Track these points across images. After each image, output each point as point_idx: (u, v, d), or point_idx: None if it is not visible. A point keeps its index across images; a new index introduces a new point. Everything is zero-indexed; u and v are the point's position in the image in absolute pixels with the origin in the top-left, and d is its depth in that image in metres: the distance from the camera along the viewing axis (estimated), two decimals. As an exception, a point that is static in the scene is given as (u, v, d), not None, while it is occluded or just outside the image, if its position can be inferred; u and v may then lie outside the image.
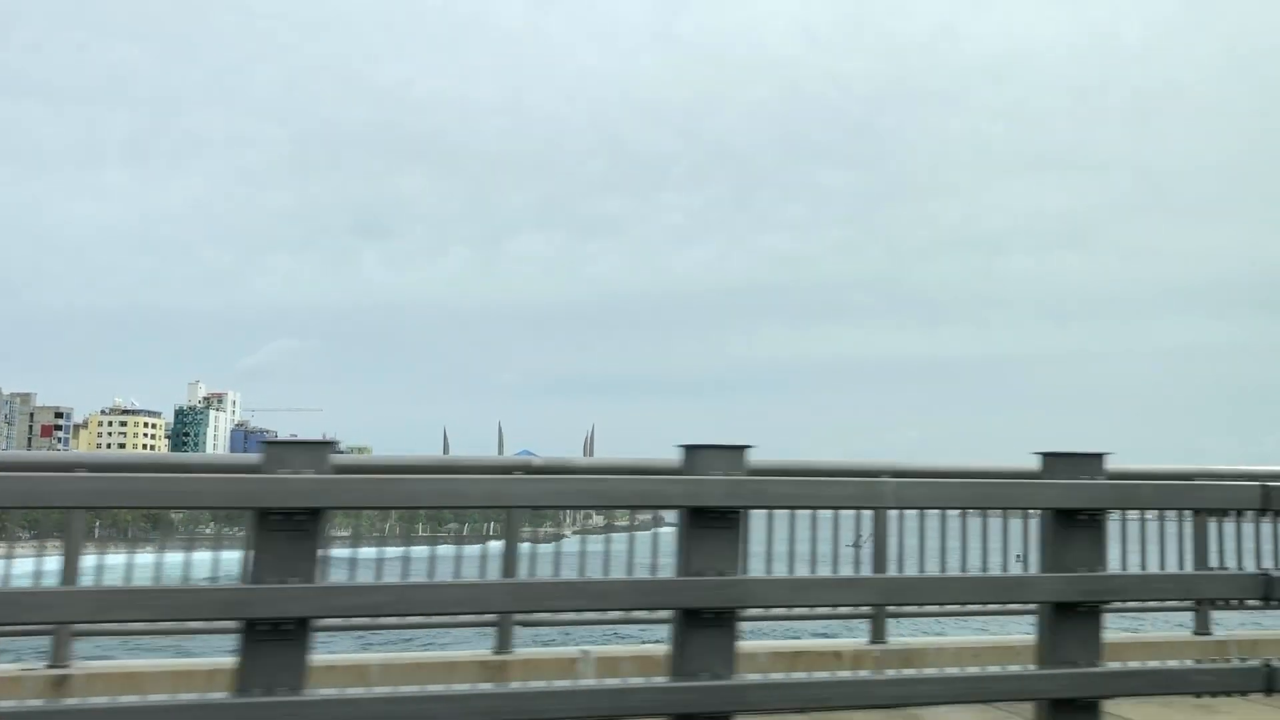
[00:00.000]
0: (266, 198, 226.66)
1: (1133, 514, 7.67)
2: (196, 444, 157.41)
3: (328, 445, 3.76)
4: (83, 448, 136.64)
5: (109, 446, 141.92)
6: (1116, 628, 7.29)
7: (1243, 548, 8.00)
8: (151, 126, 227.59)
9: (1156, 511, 7.74)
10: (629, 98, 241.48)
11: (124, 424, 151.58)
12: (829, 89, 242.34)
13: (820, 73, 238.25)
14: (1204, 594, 5.51)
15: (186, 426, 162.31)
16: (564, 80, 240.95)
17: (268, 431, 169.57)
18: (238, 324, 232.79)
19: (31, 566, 6.22)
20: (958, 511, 7.56)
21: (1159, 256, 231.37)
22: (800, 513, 7.24)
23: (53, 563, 6.25)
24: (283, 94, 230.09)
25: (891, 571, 7.23)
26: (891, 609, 7.28)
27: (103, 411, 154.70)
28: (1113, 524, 5.89)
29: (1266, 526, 8.00)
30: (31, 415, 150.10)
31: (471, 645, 7.05)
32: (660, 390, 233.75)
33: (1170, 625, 8.53)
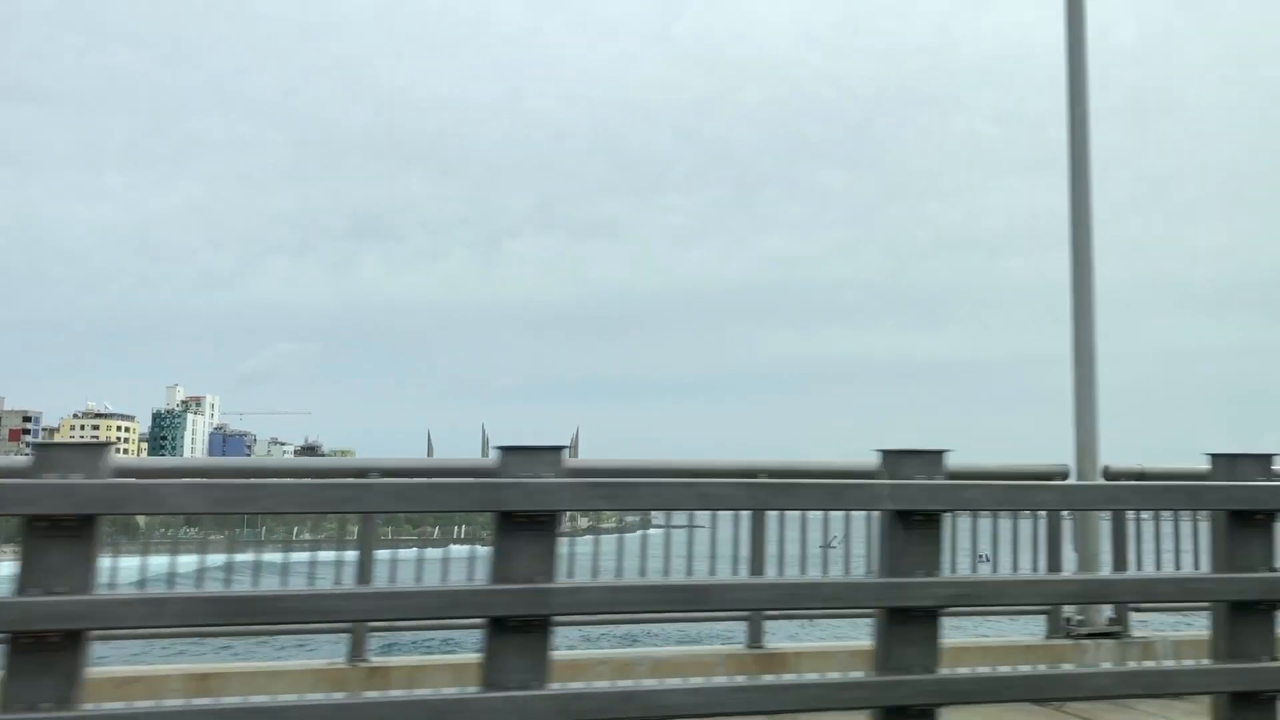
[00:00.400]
0: (266, 201, 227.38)
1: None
2: (174, 448, 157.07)
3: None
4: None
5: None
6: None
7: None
8: (150, 130, 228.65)
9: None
10: (628, 99, 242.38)
11: (96, 428, 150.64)
12: (828, 90, 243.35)
13: (819, 74, 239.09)
14: None
15: (164, 430, 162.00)
16: (563, 82, 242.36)
17: (246, 435, 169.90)
18: (237, 328, 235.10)
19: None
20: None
21: (1157, 257, 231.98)
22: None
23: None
24: (282, 97, 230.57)
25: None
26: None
27: (75, 415, 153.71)
28: None
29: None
30: None
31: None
32: (660, 393, 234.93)
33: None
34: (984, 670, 4.49)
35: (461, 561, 7.35)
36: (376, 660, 6.67)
